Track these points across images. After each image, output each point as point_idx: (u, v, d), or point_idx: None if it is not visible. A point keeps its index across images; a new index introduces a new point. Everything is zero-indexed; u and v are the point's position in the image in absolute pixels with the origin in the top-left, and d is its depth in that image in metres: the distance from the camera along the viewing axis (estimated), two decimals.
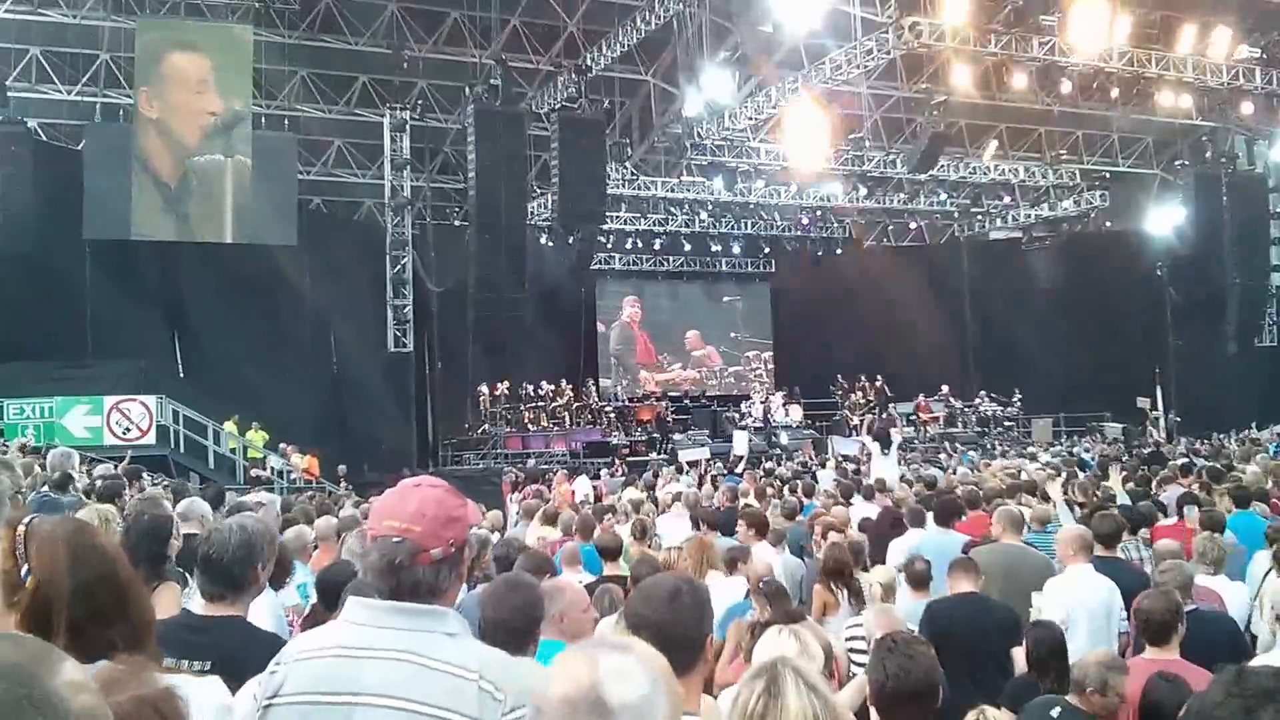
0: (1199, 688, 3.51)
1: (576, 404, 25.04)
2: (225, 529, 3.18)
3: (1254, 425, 23.95)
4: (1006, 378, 27.02)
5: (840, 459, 18.81)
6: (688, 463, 18.43)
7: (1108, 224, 29.93)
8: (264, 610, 3.62)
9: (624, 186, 26.23)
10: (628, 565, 6.55)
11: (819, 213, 29.36)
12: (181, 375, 20.94)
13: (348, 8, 23.86)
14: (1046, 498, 9.14)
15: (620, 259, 29.28)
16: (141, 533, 3.82)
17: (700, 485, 13.92)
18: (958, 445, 22.80)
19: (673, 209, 28.14)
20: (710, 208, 28.30)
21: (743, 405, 26.67)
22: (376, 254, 25.39)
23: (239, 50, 21.62)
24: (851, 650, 4.85)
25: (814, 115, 22.62)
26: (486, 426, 24.31)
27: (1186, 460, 14.51)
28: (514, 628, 2.91)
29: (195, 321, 21.14)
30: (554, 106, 24.30)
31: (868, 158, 26.73)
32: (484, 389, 24.38)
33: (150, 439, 17.57)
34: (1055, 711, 3.83)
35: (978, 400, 26.90)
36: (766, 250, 30.78)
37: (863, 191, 27.83)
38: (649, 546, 7.32)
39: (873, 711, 3.07)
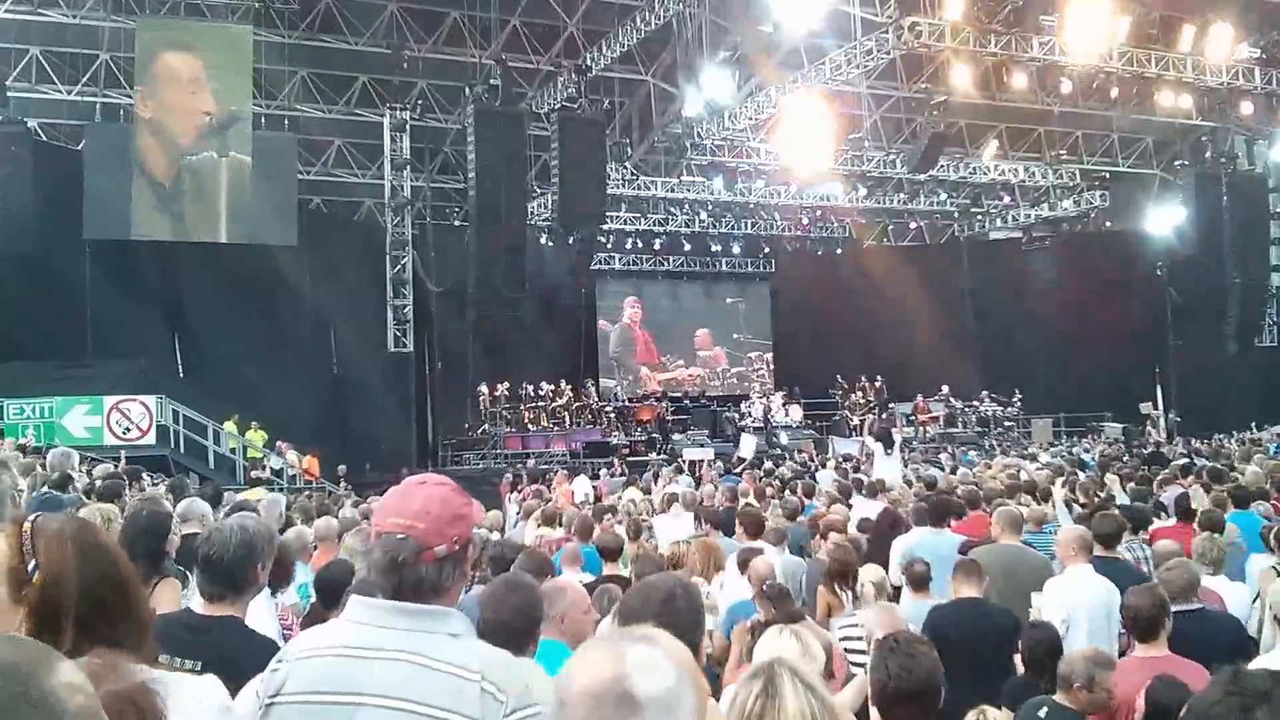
0: (1192, 684, 3.53)
1: (576, 404, 25.05)
2: (226, 529, 3.18)
3: (1253, 425, 23.95)
4: (1006, 378, 27.03)
5: (840, 459, 18.81)
6: (689, 462, 18.43)
7: (1108, 224, 29.94)
8: (259, 612, 3.62)
9: (624, 186, 26.25)
10: (625, 565, 6.56)
11: (819, 213, 29.38)
12: (181, 375, 20.95)
13: (347, 8, 23.86)
14: (1046, 498, 9.16)
15: (620, 259, 29.29)
16: (139, 529, 3.83)
17: (699, 485, 13.91)
18: (958, 446, 22.80)
19: (673, 209, 28.15)
20: (710, 208, 28.32)
21: (742, 405, 26.67)
22: (376, 254, 25.39)
23: (236, 50, 21.63)
24: (847, 650, 4.84)
25: (813, 115, 22.60)
26: (486, 426, 24.32)
27: (1186, 461, 14.51)
28: (514, 628, 2.91)
29: (195, 321, 21.14)
30: (554, 106, 24.31)
31: (868, 158, 26.75)
32: (484, 389, 24.38)
33: (150, 439, 17.58)
34: (1043, 712, 3.83)
35: (978, 400, 26.91)
36: (766, 250, 30.79)
37: (863, 191, 27.87)
38: (643, 545, 7.33)
39: (873, 711, 3.07)
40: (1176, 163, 30.53)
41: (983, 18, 20.99)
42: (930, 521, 7.36)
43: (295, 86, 24.79)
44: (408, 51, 24.24)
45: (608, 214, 25.75)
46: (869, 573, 5.29)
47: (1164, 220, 29.00)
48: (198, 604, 3.20)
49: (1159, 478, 11.25)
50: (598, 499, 12.98)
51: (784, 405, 26.21)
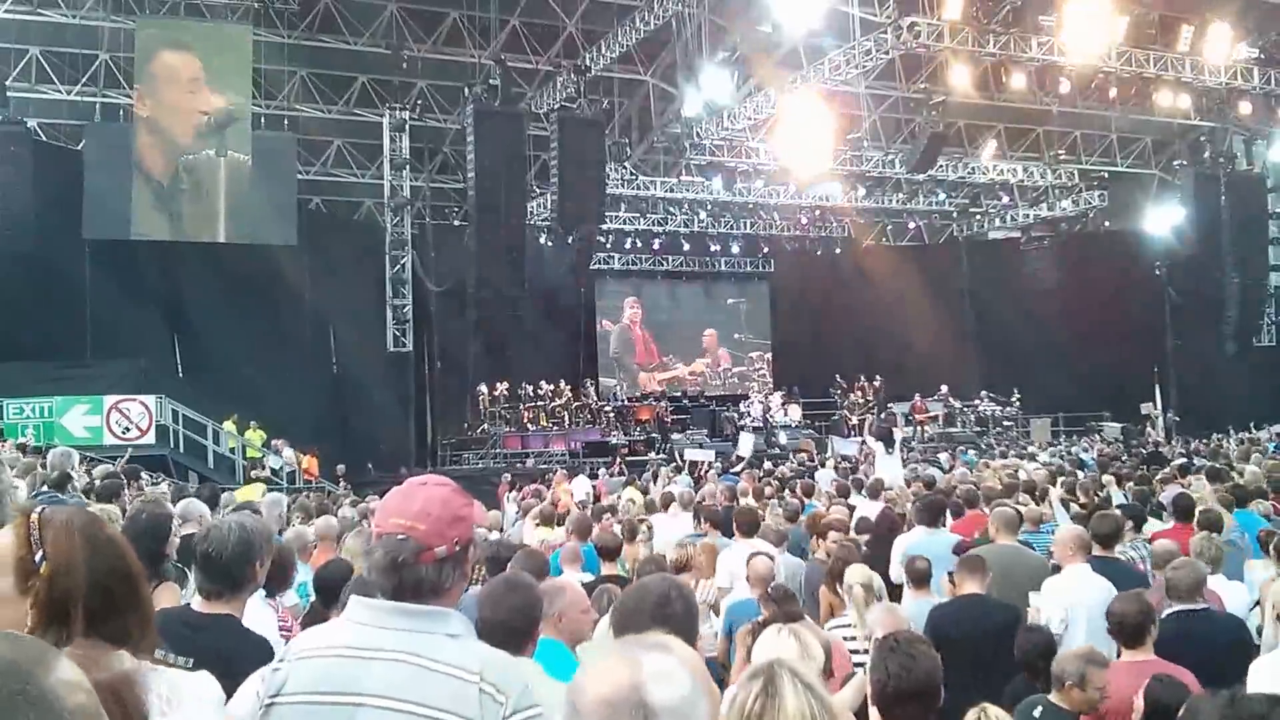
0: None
1: (575, 404, 25.04)
2: (224, 527, 3.20)
3: (1252, 425, 23.97)
4: (1005, 378, 27.02)
5: (839, 459, 18.82)
6: (690, 462, 18.43)
7: (1106, 224, 29.94)
8: (257, 611, 3.63)
9: (623, 186, 26.25)
10: (623, 566, 6.57)
11: (818, 213, 29.37)
12: (181, 375, 20.95)
13: (347, 8, 23.86)
14: (1044, 497, 9.16)
15: (619, 259, 29.28)
16: (139, 531, 3.83)
17: (699, 485, 13.91)
18: (957, 445, 22.78)
19: (672, 209, 28.15)
20: (709, 207, 28.32)
21: (741, 405, 26.67)
22: (376, 254, 25.40)
23: (235, 50, 21.64)
24: None
25: (813, 115, 22.60)
26: (485, 426, 24.31)
27: (1185, 461, 14.52)
28: (513, 628, 2.92)
29: (195, 321, 21.14)
30: (553, 106, 24.31)
31: (866, 158, 26.76)
32: (483, 389, 24.38)
33: (150, 439, 17.59)
34: (1038, 712, 3.84)
35: (977, 400, 26.91)
36: (765, 250, 30.79)
37: (861, 191, 27.88)
38: (639, 546, 7.34)
39: (873, 711, 3.08)
40: (1175, 163, 30.54)
41: (981, 18, 20.98)
42: (925, 521, 7.39)
43: (295, 86, 24.79)
44: (407, 51, 24.23)
45: (607, 214, 25.76)
46: (856, 574, 5.27)
47: (1163, 220, 29.01)
48: (197, 602, 3.21)
49: (1158, 477, 11.26)
50: (597, 499, 12.99)
51: (783, 405, 26.20)
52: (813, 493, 11.51)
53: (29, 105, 22.71)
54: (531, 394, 24.49)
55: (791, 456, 21.08)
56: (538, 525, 8.85)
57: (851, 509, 9.34)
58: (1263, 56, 25.36)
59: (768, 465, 17.99)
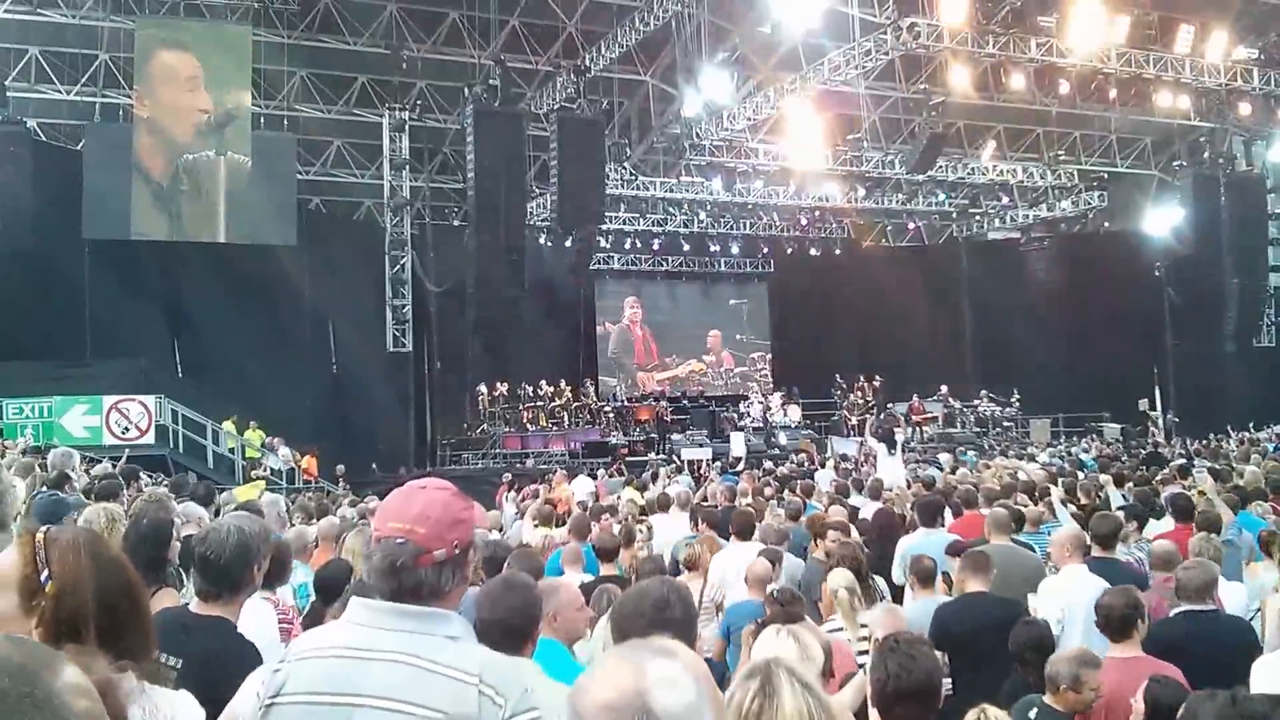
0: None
1: (575, 404, 25.04)
2: (222, 529, 3.20)
3: (1251, 425, 23.97)
4: (1005, 378, 27.04)
5: (839, 459, 18.82)
6: (688, 462, 18.43)
7: (1106, 224, 29.94)
8: (257, 612, 3.63)
9: (623, 187, 26.25)
10: (620, 567, 6.58)
11: (817, 213, 29.36)
12: (180, 375, 20.96)
13: (347, 8, 23.86)
14: (1044, 497, 9.16)
15: (619, 259, 29.29)
16: (140, 537, 3.83)
17: (699, 485, 13.91)
18: (956, 446, 22.79)
19: (671, 209, 28.15)
20: (709, 208, 28.32)
21: (741, 405, 26.68)
22: (376, 254, 25.40)
23: (235, 49, 21.64)
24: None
25: (815, 115, 22.61)
26: (485, 426, 24.32)
27: (1185, 461, 14.51)
28: (512, 627, 2.92)
29: (194, 321, 21.15)
30: (553, 107, 24.32)
31: (866, 158, 26.77)
32: (483, 389, 24.39)
33: (149, 439, 17.59)
34: (1033, 713, 3.85)
35: (976, 401, 26.92)
36: (765, 250, 30.79)
37: (861, 192, 27.87)
38: (637, 548, 7.34)
39: (873, 711, 3.08)
40: (1175, 163, 30.55)
41: (981, 19, 20.99)
42: (923, 521, 7.40)
43: (294, 86, 24.79)
44: (407, 52, 24.25)
45: (606, 214, 25.76)
46: (839, 578, 5.27)
47: (1162, 221, 29.01)
48: (195, 603, 3.22)
49: (1157, 478, 11.27)
50: (597, 499, 12.98)
51: (783, 405, 26.22)
52: (812, 493, 11.51)
53: (29, 105, 22.72)
54: (531, 394, 24.50)
55: (791, 457, 21.08)
56: (537, 525, 8.85)
57: (853, 510, 9.34)
58: (1262, 57, 25.37)
59: (768, 465, 18.00)
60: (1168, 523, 7.59)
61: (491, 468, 21.53)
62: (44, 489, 7.76)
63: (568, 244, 26.84)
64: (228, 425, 18.90)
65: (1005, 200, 29.98)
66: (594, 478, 16.96)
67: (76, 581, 1.85)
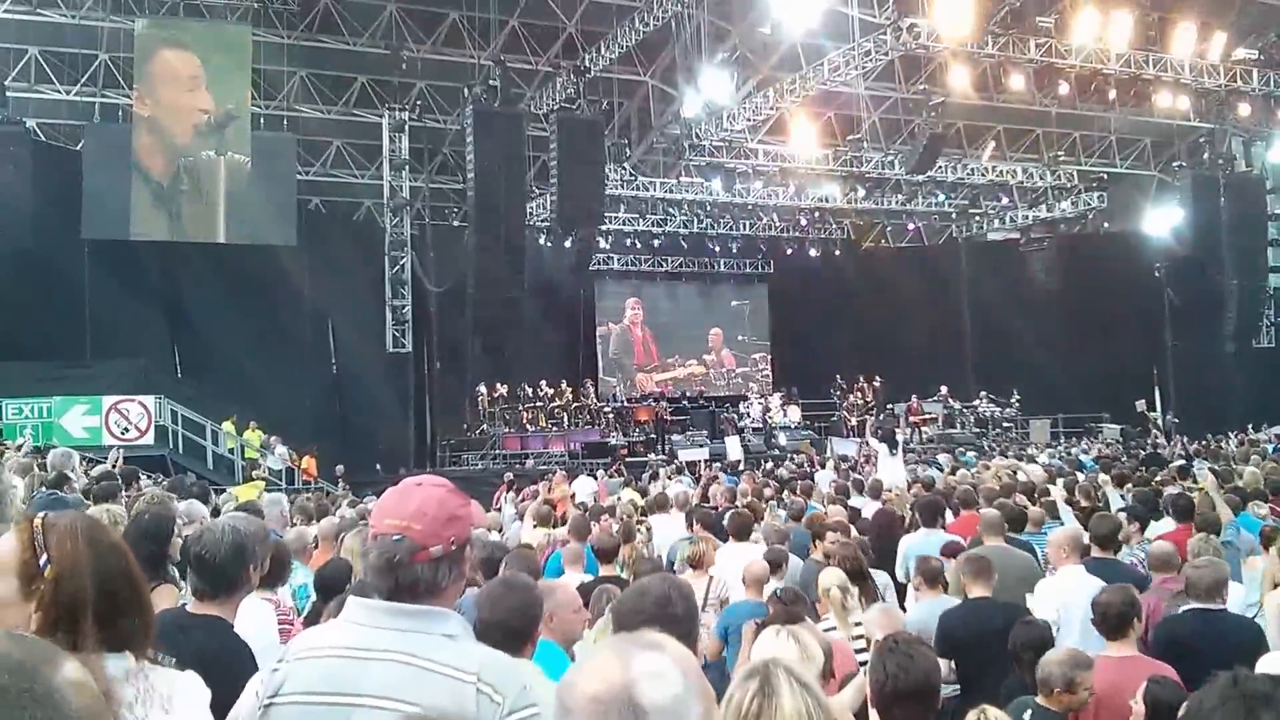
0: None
1: (575, 404, 25.04)
2: (217, 529, 3.21)
3: (1250, 426, 23.98)
4: (1004, 379, 27.04)
5: (839, 460, 18.81)
6: (687, 463, 18.42)
7: (1105, 225, 29.93)
8: (255, 611, 3.63)
9: (622, 187, 26.24)
10: (622, 567, 6.58)
11: (817, 214, 29.36)
12: (180, 375, 20.96)
13: (346, 8, 23.87)
14: (1044, 497, 9.16)
15: (619, 259, 29.29)
16: (141, 533, 3.83)
17: (700, 486, 13.89)
18: (956, 446, 22.79)
19: (671, 210, 28.15)
20: (709, 208, 28.32)
21: (740, 406, 26.68)
22: (375, 254, 25.40)
23: (235, 50, 21.64)
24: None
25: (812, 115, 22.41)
26: (485, 427, 24.31)
27: (1184, 462, 14.51)
28: (511, 628, 2.92)
29: (194, 321, 21.16)
30: (552, 107, 24.32)
31: (866, 159, 26.75)
32: (482, 389, 24.38)
33: (149, 439, 17.59)
34: (1027, 715, 3.85)
35: (976, 401, 26.93)
36: (764, 251, 30.79)
37: (861, 192, 27.85)
38: (636, 547, 7.34)
39: (873, 712, 3.09)
40: (1174, 164, 30.57)
41: (980, 20, 20.98)
42: (925, 521, 7.40)
43: (294, 87, 24.79)
44: (406, 52, 24.25)
45: (606, 214, 25.76)
46: (831, 577, 5.28)
47: (1162, 221, 29.03)
48: (191, 603, 3.23)
49: (1156, 479, 11.27)
50: (598, 499, 12.96)
51: (782, 406, 26.21)
52: (812, 493, 11.51)
53: (28, 105, 22.72)
54: (531, 395, 24.50)
55: (791, 457, 21.08)
56: (536, 526, 8.85)
57: (854, 510, 9.34)
58: (1261, 58, 25.39)
59: (768, 466, 18.00)
60: (1169, 523, 7.59)
61: (491, 468, 21.52)
62: (43, 489, 7.76)
63: (567, 244, 26.84)
64: (227, 426, 18.90)
65: (1005, 201, 29.98)
66: (595, 478, 16.97)
67: (75, 566, 1.86)
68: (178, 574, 4.11)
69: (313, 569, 5.60)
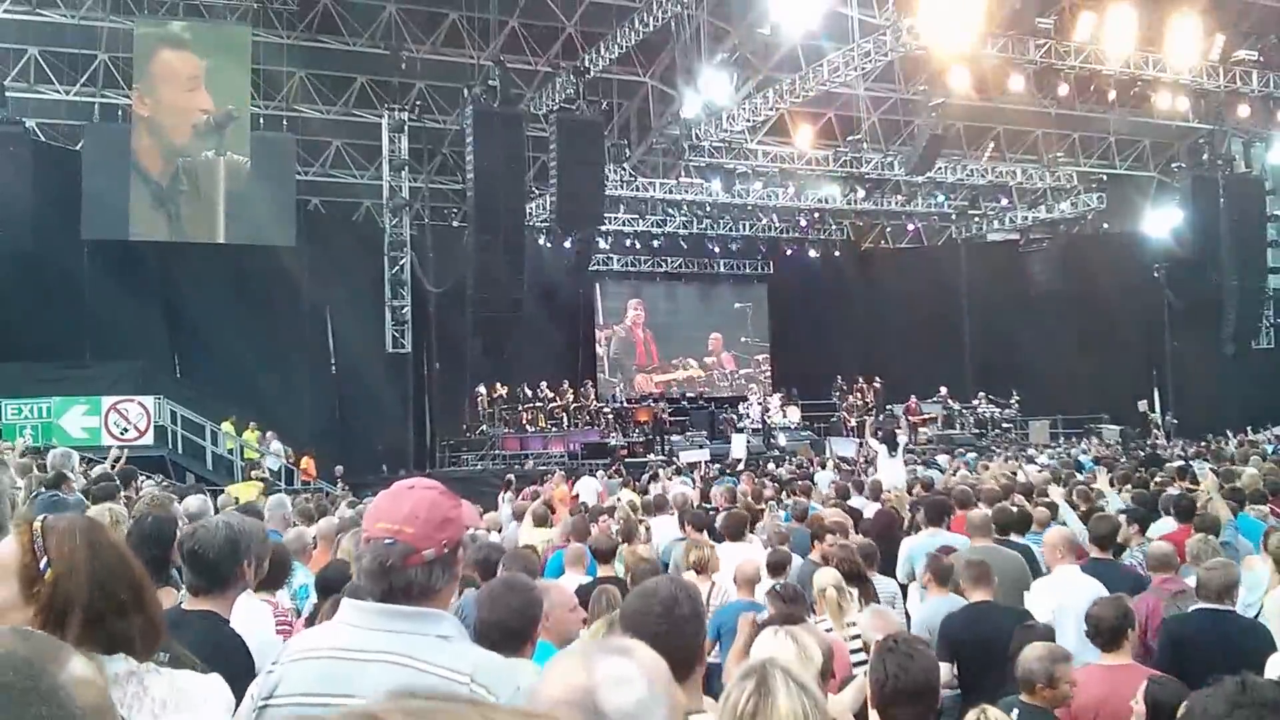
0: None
1: (575, 405, 25.03)
2: (211, 525, 3.22)
3: (1250, 427, 23.98)
4: (1004, 379, 27.04)
5: (838, 460, 18.82)
6: (688, 464, 18.42)
7: (1105, 226, 29.96)
8: (251, 609, 3.63)
9: (622, 188, 26.24)
10: (621, 566, 6.58)
11: (817, 214, 29.37)
12: (179, 376, 20.95)
13: (346, 8, 23.88)
14: (1043, 497, 9.17)
15: (618, 260, 29.30)
16: (143, 536, 3.84)
17: (700, 486, 13.89)
18: (956, 447, 22.80)
19: (671, 210, 28.15)
20: (708, 209, 28.32)
21: (740, 406, 26.67)
22: (375, 255, 25.39)
23: (235, 50, 21.64)
24: None
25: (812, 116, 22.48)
26: (484, 427, 24.29)
27: (1183, 463, 14.52)
28: (510, 628, 2.93)
29: (193, 322, 21.14)
30: (552, 108, 24.31)
31: (865, 159, 26.75)
32: (482, 390, 24.36)
33: (148, 439, 17.58)
34: (1014, 713, 3.86)
35: (975, 402, 26.93)
36: (764, 252, 30.80)
37: (860, 193, 27.86)
38: (636, 547, 7.35)
39: (872, 713, 3.10)
40: (1174, 165, 30.57)
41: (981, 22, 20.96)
42: (931, 521, 7.40)
43: (294, 87, 24.78)
44: (406, 52, 24.26)
45: (606, 215, 25.76)
46: (826, 577, 5.28)
47: (1161, 222, 29.04)
48: (187, 600, 3.24)
49: (1155, 479, 11.27)
50: (600, 500, 12.96)
51: (782, 407, 26.20)
52: (811, 494, 11.52)
53: (28, 105, 22.70)
54: (530, 395, 24.49)
55: (790, 458, 21.09)
56: (535, 526, 8.85)
57: (854, 511, 9.34)
58: (1261, 59, 25.39)
59: (769, 466, 17.99)
60: (1170, 524, 7.60)
61: (491, 469, 21.51)
62: (42, 489, 7.77)
63: (567, 245, 26.84)
64: (226, 426, 18.90)
65: (1004, 202, 29.99)
66: (597, 479, 16.96)
67: (74, 568, 1.86)
68: (179, 576, 4.12)
69: (312, 570, 5.60)
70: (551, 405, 24.53)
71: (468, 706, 0.87)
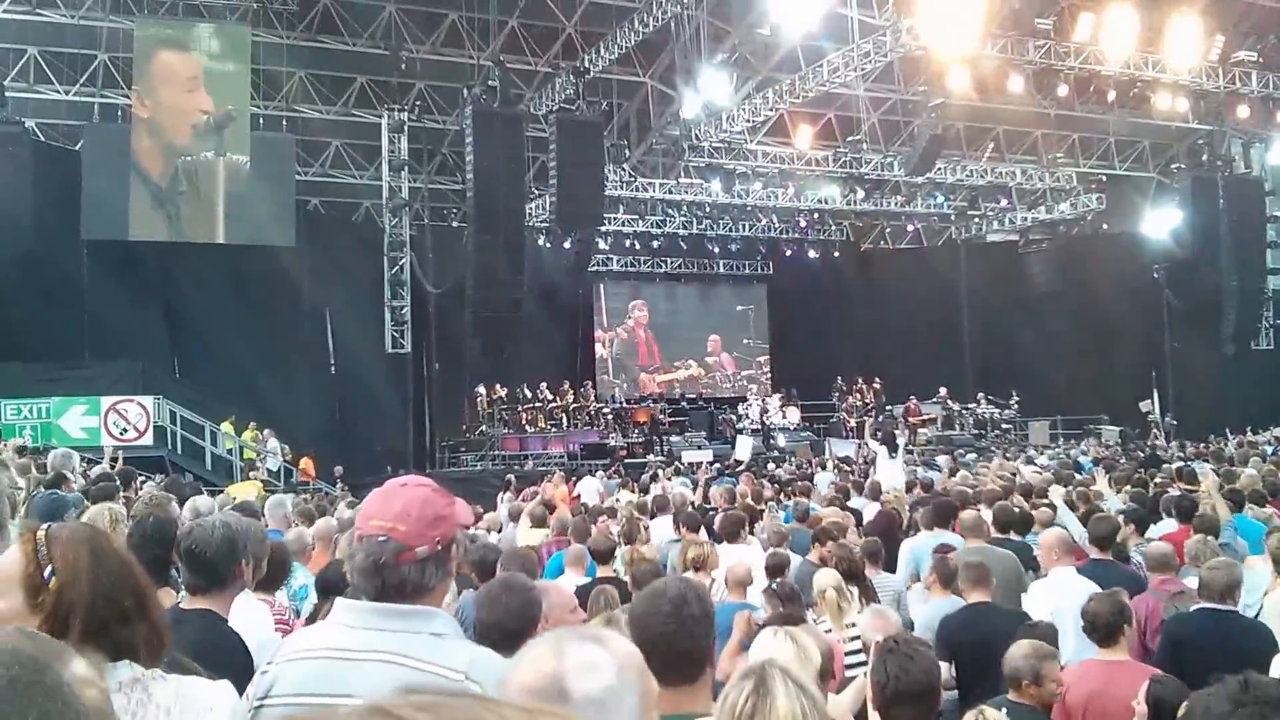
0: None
1: (574, 405, 25.03)
2: (208, 525, 3.23)
3: (1249, 429, 23.98)
4: (1003, 380, 27.04)
5: (838, 461, 18.82)
6: (689, 464, 18.43)
7: (1104, 227, 29.97)
8: (250, 609, 3.63)
9: (622, 188, 26.24)
10: (621, 566, 6.58)
11: (816, 215, 29.39)
12: (179, 376, 20.94)
13: (346, 8, 23.88)
14: (1043, 497, 9.17)
15: (618, 260, 29.30)
16: (144, 536, 3.84)
17: (700, 487, 13.88)
18: (955, 448, 22.81)
19: (670, 211, 28.16)
20: (708, 209, 28.33)
21: (739, 407, 26.68)
22: (374, 255, 25.38)
23: (235, 50, 21.65)
24: None
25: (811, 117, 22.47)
26: (484, 428, 24.29)
27: (1182, 464, 14.51)
28: (510, 629, 2.93)
29: (193, 322, 21.14)
30: (552, 108, 24.32)
31: (865, 160, 26.77)
32: (481, 390, 24.36)
33: (148, 440, 17.58)
34: (1003, 712, 3.86)
35: (975, 403, 26.94)
36: (764, 252, 30.81)
37: (860, 194, 27.88)
38: (638, 548, 7.35)
39: (873, 714, 3.10)
40: (1173, 166, 30.59)
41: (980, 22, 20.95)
42: (937, 522, 7.41)
43: (294, 87, 24.78)
44: (406, 52, 24.26)
45: (605, 215, 25.77)
46: (827, 578, 5.28)
47: (1161, 223, 29.04)
48: (185, 599, 3.24)
49: (1155, 480, 11.27)
50: (602, 501, 12.95)
51: (781, 407, 26.20)
52: (810, 495, 11.52)
53: (27, 105, 22.70)
54: (530, 396, 24.49)
55: (789, 458, 21.09)
56: (532, 527, 8.85)
57: (854, 512, 9.34)
58: (1260, 60, 25.39)
59: (769, 468, 17.99)
60: (1171, 524, 7.60)
61: (491, 470, 21.52)
62: (41, 489, 7.77)
63: (566, 245, 26.85)
64: (226, 426, 18.89)
65: (1004, 202, 30.01)
66: (596, 479, 16.96)
67: (78, 577, 1.86)
68: (179, 577, 4.12)
69: (312, 571, 5.60)
70: (551, 406, 24.52)
71: (475, 702, 0.88)
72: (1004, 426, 26.72)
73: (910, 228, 31.97)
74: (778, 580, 5.42)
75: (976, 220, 31.38)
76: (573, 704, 1.37)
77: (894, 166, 26.80)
